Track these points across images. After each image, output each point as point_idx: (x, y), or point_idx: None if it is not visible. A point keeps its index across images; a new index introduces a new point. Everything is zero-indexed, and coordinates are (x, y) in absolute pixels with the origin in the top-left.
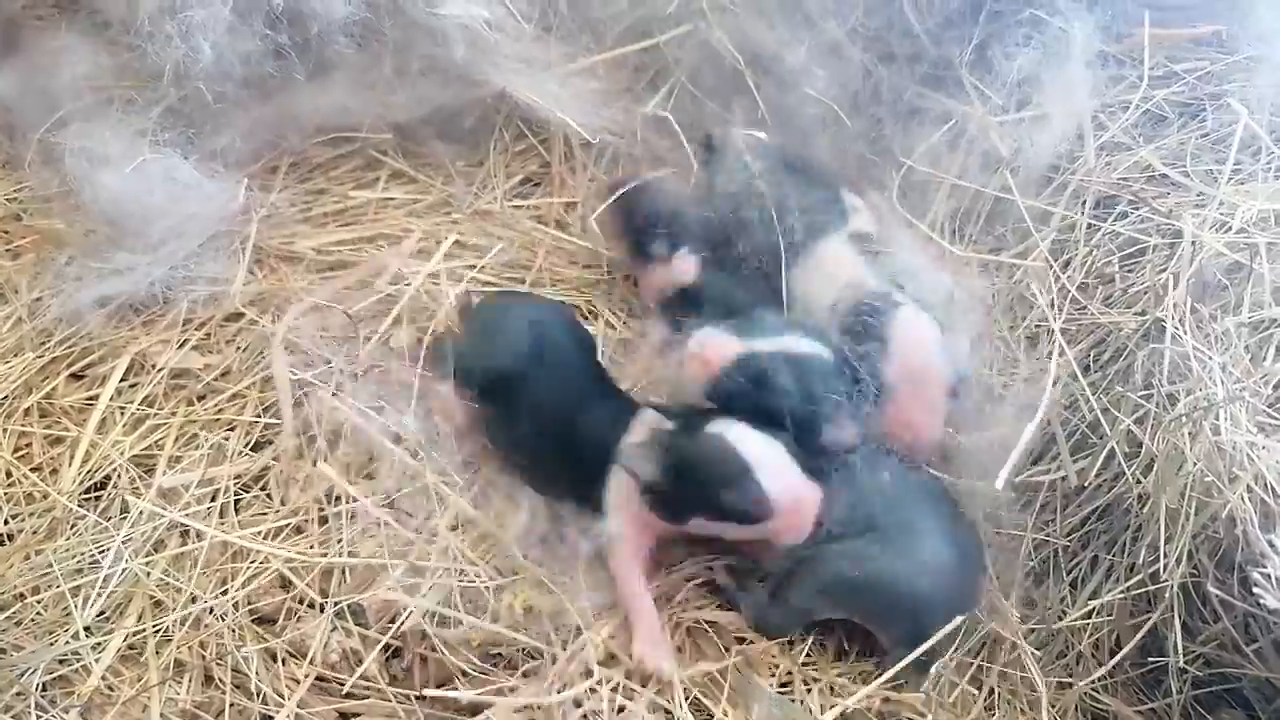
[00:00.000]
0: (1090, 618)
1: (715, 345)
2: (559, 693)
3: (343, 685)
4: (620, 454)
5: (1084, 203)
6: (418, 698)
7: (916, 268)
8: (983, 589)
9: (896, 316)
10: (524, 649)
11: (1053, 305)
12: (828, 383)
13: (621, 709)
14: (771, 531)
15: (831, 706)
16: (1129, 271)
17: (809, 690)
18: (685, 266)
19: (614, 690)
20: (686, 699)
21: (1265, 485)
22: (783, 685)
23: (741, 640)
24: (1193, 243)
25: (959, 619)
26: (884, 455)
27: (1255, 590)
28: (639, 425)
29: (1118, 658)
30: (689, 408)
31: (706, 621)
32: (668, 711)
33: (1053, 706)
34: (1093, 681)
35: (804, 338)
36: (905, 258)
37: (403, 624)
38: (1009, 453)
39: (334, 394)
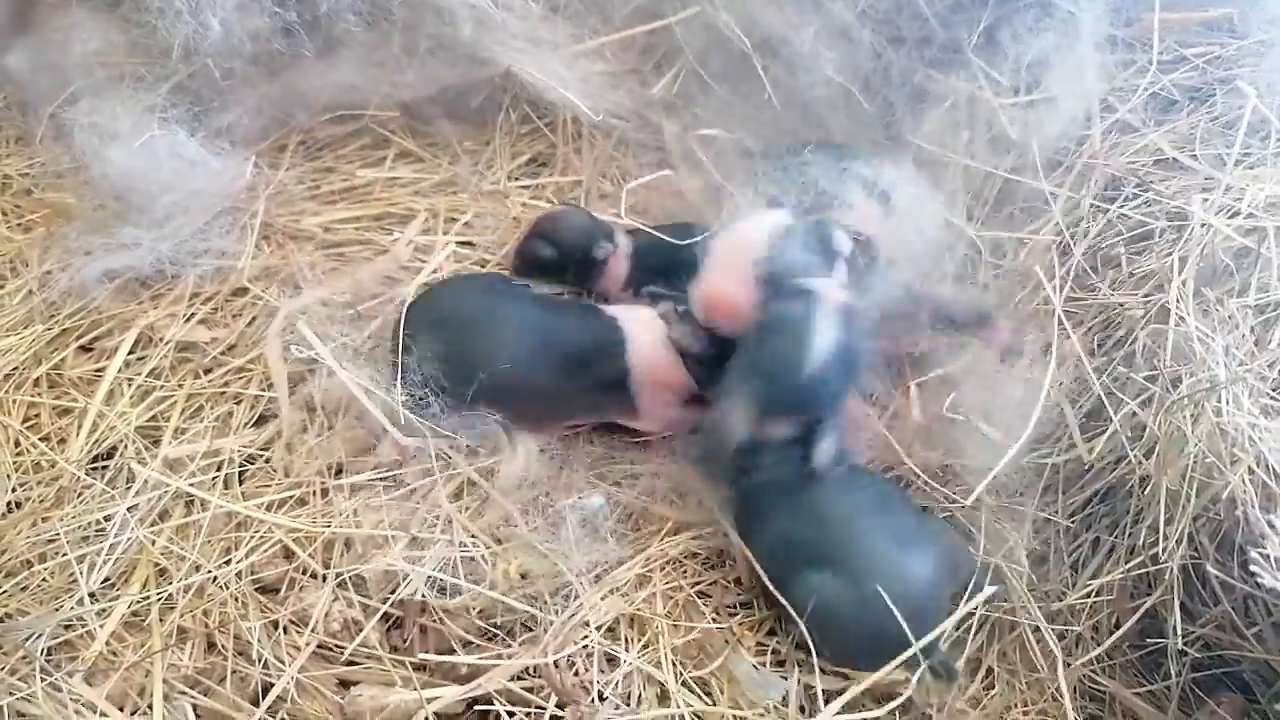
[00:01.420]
0: (1090, 599)
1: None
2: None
3: (343, 653)
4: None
5: (1093, 183)
6: (417, 667)
7: None
8: (944, 597)
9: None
10: (522, 619)
11: (1058, 290)
12: None
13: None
14: None
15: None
16: (1136, 254)
17: (798, 669)
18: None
19: (608, 656)
20: (680, 674)
21: (1267, 467)
22: (778, 665)
23: (734, 614)
24: (1200, 226)
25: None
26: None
27: (1253, 570)
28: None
29: (1114, 637)
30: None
31: (700, 594)
32: (661, 684)
33: (1051, 687)
34: (1090, 662)
35: None
36: None
37: (401, 591)
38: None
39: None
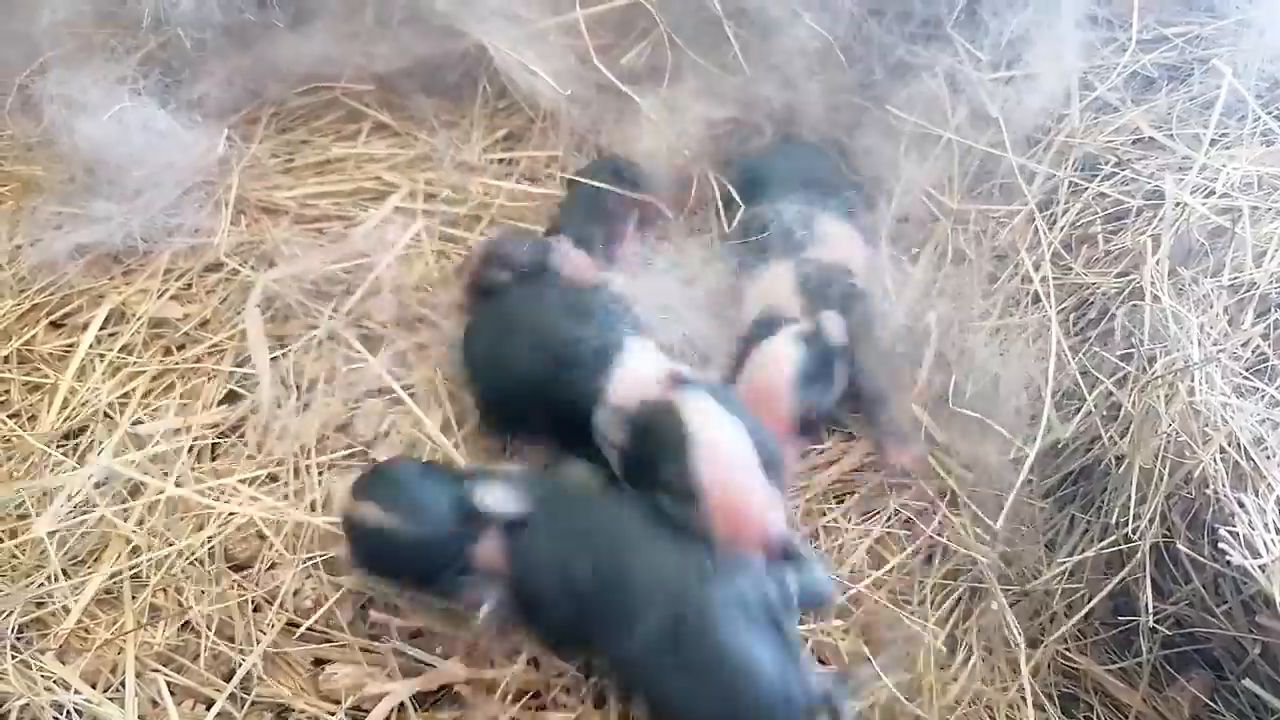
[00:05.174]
0: (1064, 578)
1: None
2: None
3: (315, 631)
4: None
5: (1070, 162)
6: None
7: None
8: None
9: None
10: None
11: (1038, 267)
12: None
13: None
14: None
15: None
16: (1113, 233)
17: None
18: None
19: None
20: None
21: (1238, 446)
22: None
23: None
24: (1176, 205)
25: None
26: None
27: (1223, 548)
28: None
29: (1083, 611)
30: None
31: None
32: None
33: (1025, 664)
34: (1063, 640)
35: None
36: None
37: None
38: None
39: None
